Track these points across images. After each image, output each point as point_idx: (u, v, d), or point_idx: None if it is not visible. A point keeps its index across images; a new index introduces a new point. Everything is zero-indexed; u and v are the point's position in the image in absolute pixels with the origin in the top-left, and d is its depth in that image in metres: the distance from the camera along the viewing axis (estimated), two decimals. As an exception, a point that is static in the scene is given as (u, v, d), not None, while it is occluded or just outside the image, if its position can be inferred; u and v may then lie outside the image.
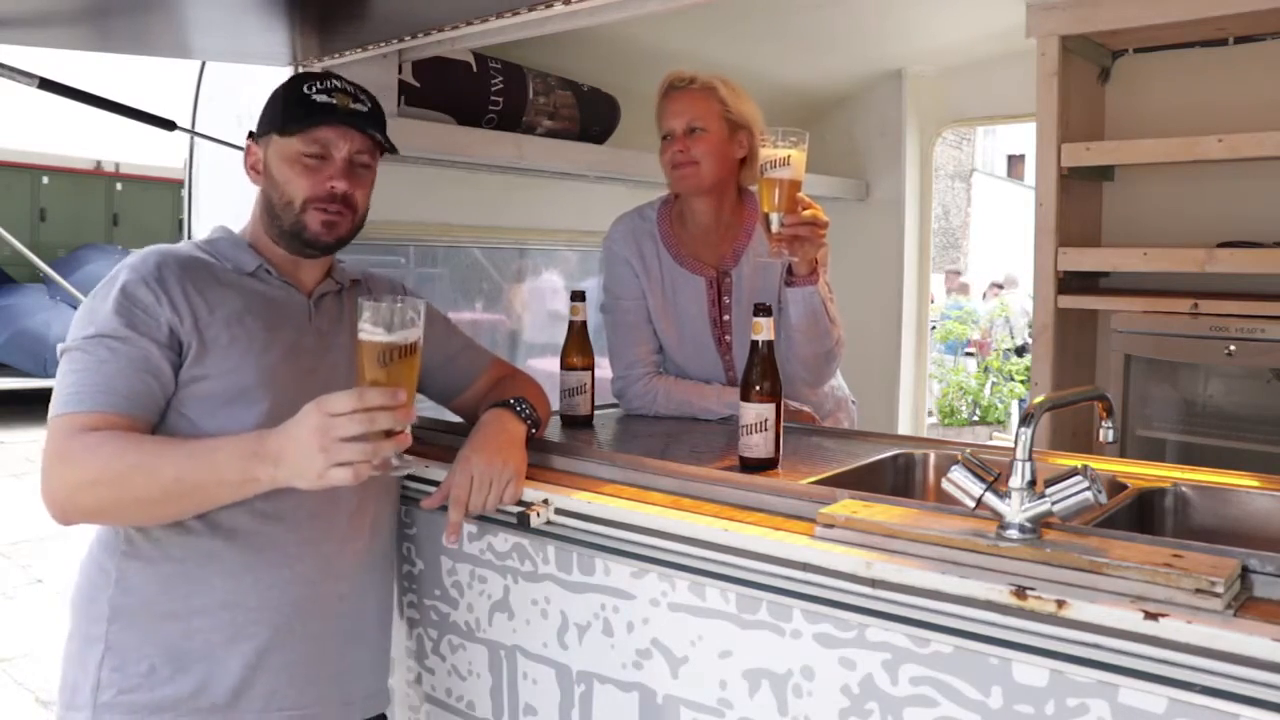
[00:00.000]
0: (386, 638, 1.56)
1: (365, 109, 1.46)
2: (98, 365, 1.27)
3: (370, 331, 1.20)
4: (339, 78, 1.46)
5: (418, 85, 2.28)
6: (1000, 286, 11.92)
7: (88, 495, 1.23)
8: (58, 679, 1.37)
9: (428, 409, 1.94)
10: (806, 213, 1.66)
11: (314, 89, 1.43)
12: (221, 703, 1.32)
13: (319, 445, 1.13)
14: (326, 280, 1.52)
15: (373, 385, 1.19)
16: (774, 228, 1.64)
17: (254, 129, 1.49)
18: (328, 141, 1.42)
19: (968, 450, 1.18)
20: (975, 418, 8.83)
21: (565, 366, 1.89)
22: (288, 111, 1.43)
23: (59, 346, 1.33)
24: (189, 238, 1.48)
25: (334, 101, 1.42)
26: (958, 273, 12.96)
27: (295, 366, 1.33)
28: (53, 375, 1.31)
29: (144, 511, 1.27)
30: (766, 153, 1.63)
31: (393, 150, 1.50)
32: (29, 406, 7.76)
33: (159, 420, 1.32)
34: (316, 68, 1.95)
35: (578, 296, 1.90)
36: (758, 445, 1.49)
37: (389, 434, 1.16)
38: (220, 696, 1.32)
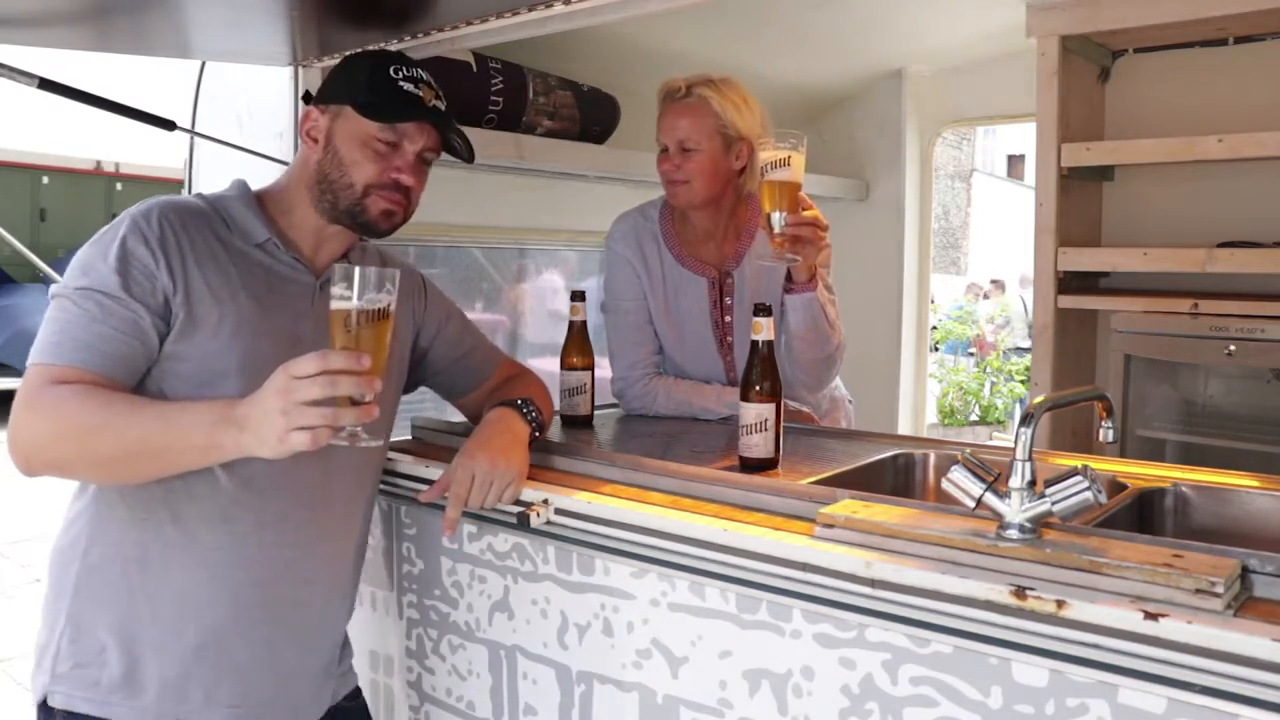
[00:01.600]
0: (342, 637, 1.54)
1: (443, 107, 1.45)
2: (85, 321, 1.24)
3: (339, 297, 1.17)
4: (421, 66, 1.46)
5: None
6: (998, 284, 11.92)
7: (53, 449, 1.21)
8: (36, 625, 1.40)
9: (428, 408, 1.95)
10: (808, 213, 1.67)
11: (400, 74, 1.41)
12: (161, 695, 1.32)
13: (280, 407, 1.09)
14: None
15: (341, 351, 1.16)
16: (775, 228, 1.65)
17: (311, 91, 1.45)
18: (405, 133, 1.42)
19: (968, 450, 1.18)
20: (975, 418, 8.83)
21: (565, 366, 1.90)
22: (372, 92, 1.40)
23: (51, 288, 1.30)
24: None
25: (419, 94, 1.42)
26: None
27: (283, 357, 1.29)
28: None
29: (108, 470, 1.24)
30: (766, 155, 1.63)
31: (469, 158, 1.50)
32: (29, 406, 7.68)
33: (135, 387, 1.29)
34: (316, 67, 1.96)
35: (578, 296, 1.90)
36: (758, 445, 1.49)
37: (355, 403, 1.12)
38: (160, 687, 1.32)
